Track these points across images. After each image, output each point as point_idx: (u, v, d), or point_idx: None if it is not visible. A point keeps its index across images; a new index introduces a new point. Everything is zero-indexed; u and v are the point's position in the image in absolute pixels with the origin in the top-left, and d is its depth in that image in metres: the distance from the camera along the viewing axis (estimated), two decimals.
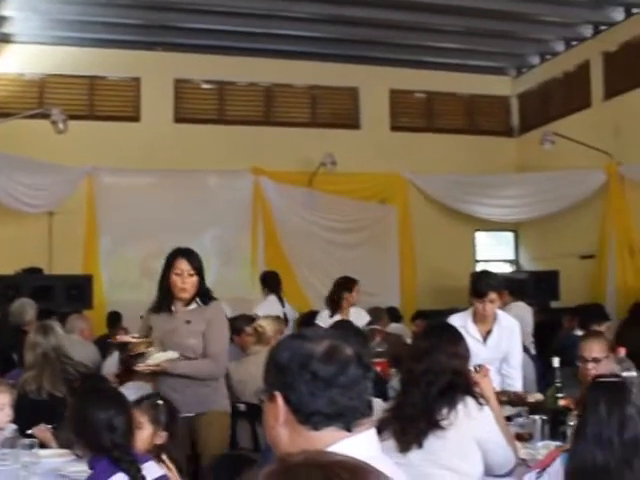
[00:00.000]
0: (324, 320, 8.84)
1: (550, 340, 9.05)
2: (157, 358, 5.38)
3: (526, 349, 7.79)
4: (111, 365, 7.83)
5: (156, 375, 5.55)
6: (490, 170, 15.48)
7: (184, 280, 5.42)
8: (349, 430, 2.11)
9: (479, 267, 14.90)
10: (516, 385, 5.85)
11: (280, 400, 2.13)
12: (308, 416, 2.10)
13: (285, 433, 2.13)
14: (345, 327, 4.80)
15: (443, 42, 15.01)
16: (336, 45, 14.90)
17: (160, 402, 4.41)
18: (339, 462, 1.32)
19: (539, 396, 5.47)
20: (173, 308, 5.58)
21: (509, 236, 16.66)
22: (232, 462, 5.02)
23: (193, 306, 5.56)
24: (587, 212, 14.15)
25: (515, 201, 15.39)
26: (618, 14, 14.09)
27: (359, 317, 9.24)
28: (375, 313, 10.10)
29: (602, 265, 13.91)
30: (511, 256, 16.65)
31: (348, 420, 2.11)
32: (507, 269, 16.24)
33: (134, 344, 5.48)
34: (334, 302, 9.20)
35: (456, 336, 4.05)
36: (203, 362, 5.52)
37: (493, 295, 5.72)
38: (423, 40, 14.87)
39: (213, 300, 5.63)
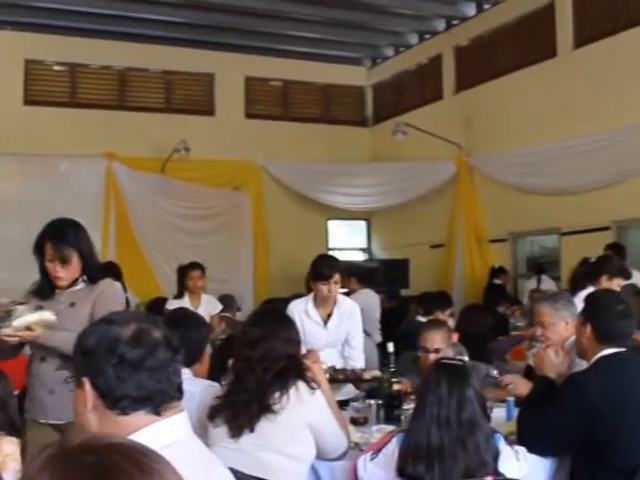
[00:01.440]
0: (172, 306, 8.76)
1: (398, 327, 9.20)
2: (25, 320, 4.33)
3: (368, 334, 7.91)
4: None
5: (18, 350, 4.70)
6: (344, 159, 15.66)
7: (56, 268, 4.54)
8: (158, 414, 2.09)
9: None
10: (358, 366, 5.91)
11: (87, 386, 2.08)
12: (116, 401, 2.06)
13: (94, 419, 2.09)
14: (178, 314, 4.71)
15: (300, 31, 15.06)
16: (192, 30, 14.76)
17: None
18: (115, 445, 1.29)
19: (376, 372, 5.55)
20: (57, 290, 4.67)
21: (362, 225, 16.90)
22: None
23: (79, 286, 4.65)
24: (437, 202, 14.48)
25: (368, 190, 15.60)
26: (470, 9, 14.46)
27: (210, 304, 9.23)
28: (225, 300, 10.10)
29: (451, 254, 14.27)
30: (364, 244, 16.89)
31: (157, 404, 2.08)
32: (360, 257, 16.46)
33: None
34: (178, 288, 9.25)
35: (288, 321, 4.07)
36: None
37: (337, 276, 5.78)
38: (280, 28, 14.89)
39: (103, 278, 4.79)
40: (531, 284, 12.43)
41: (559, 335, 4.59)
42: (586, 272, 6.63)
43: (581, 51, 12.30)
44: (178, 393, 2.14)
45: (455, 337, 5.39)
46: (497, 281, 12.73)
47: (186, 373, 4.07)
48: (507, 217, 13.28)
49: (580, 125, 11.84)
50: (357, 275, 10.87)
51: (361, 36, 15.84)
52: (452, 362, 3.70)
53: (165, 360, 2.10)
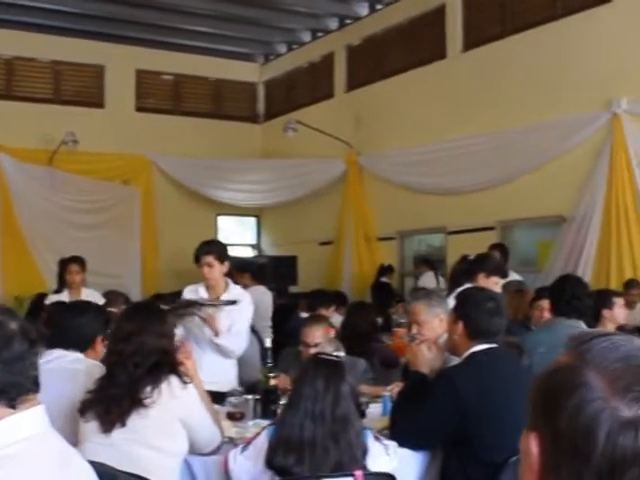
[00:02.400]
0: (50, 301, 8.64)
1: (285, 324, 9.25)
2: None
3: (254, 331, 7.90)
4: None
5: None
6: (235, 155, 15.64)
7: None
8: (13, 407, 2.04)
9: None
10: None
11: None
12: None
13: None
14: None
15: (193, 25, 14.96)
16: (82, 20, 14.48)
17: None
18: None
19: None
20: None
21: (252, 221, 16.89)
22: None
23: None
24: (327, 200, 14.56)
25: (258, 186, 15.61)
26: (363, 9, 14.57)
27: (91, 299, 9.07)
28: (110, 296, 9.93)
29: (339, 251, 14.37)
30: (253, 241, 16.89)
31: (12, 397, 2.04)
32: (249, 253, 16.45)
33: None
34: (58, 282, 9.16)
35: (161, 316, 4.05)
36: None
37: (210, 258, 5.91)
38: (172, 21, 14.75)
39: None
40: (427, 281, 12.39)
41: (434, 332, 4.67)
42: (464, 270, 6.73)
43: (470, 54, 12.54)
44: (35, 386, 2.10)
45: (332, 332, 5.44)
46: (384, 279, 12.86)
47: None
48: (395, 216, 13.43)
49: (467, 126, 12.07)
50: (250, 271, 10.83)
51: (254, 32, 15.81)
52: (329, 358, 3.74)
53: (21, 352, 2.06)
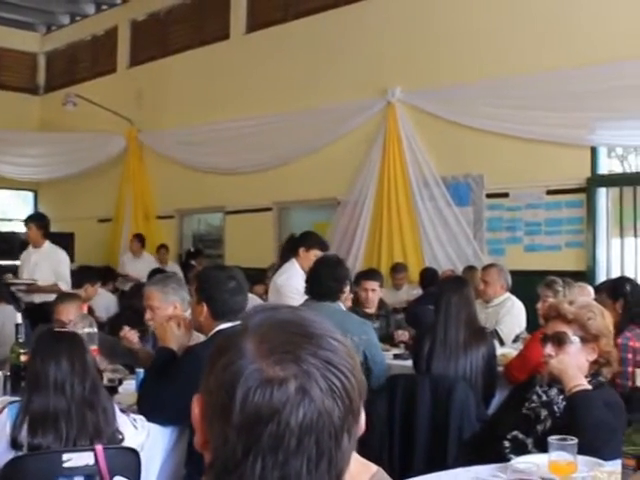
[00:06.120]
0: None
1: None
2: None
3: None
4: None
5: None
6: (12, 127, 15.07)
7: None
8: None
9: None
10: None
11: None
12: None
13: None
14: None
15: None
16: None
17: None
18: None
19: None
20: None
21: (29, 195, 16.41)
22: None
23: None
24: (107, 176, 14.36)
25: (36, 160, 15.17)
26: None
27: None
28: None
29: (118, 229, 14.21)
30: None
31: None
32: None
33: None
34: None
35: None
36: None
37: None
38: None
39: None
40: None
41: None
42: (290, 247, 7.02)
43: (253, 36, 12.66)
44: None
45: (85, 308, 5.41)
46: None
47: None
48: (175, 194, 13.42)
49: (248, 108, 12.19)
50: None
51: (36, 1, 15.29)
52: (65, 331, 3.75)
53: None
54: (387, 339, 6.85)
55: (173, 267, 12.03)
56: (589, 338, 3.40)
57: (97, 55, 15.51)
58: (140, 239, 12.72)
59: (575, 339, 3.39)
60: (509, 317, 7.07)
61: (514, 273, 7.48)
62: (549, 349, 3.42)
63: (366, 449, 5.03)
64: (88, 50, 15.71)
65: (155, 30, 14.37)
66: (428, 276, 9.19)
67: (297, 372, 1.25)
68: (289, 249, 7.13)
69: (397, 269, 10.20)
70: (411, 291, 9.64)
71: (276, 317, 1.35)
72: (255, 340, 1.29)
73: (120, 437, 3.56)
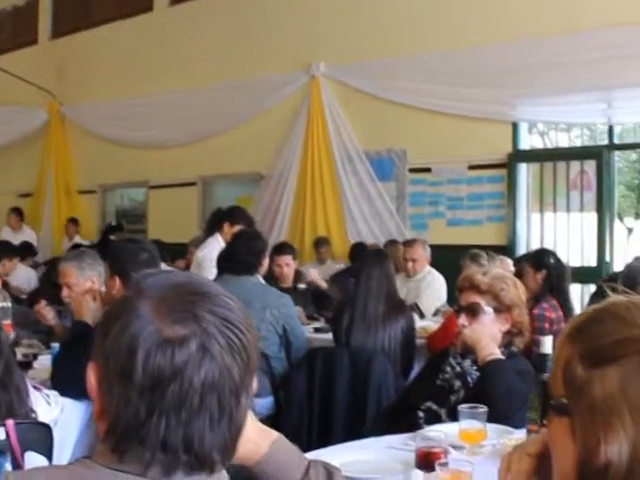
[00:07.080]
0: None
1: None
2: None
3: None
4: None
5: None
6: None
7: None
8: None
9: None
10: None
11: None
12: None
13: None
14: None
15: None
16: None
17: None
18: None
19: None
20: None
21: None
22: None
23: None
24: (28, 150, 14.08)
25: None
26: None
27: None
28: None
29: (39, 204, 13.99)
30: None
31: None
32: None
33: None
34: None
35: None
36: None
37: None
38: None
39: None
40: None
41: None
42: (215, 221, 6.99)
43: (177, 8, 12.53)
44: None
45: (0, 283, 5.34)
46: (112, 237, 12.39)
47: None
48: (98, 169, 13.21)
49: (171, 81, 12.05)
50: None
51: None
52: None
53: None
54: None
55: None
56: (502, 309, 3.45)
57: (18, 26, 15.16)
58: (18, 213, 12.57)
59: (488, 309, 3.44)
60: (430, 291, 7.17)
61: (437, 247, 7.58)
62: (463, 319, 3.47)
63: (285, 420, 5.05)
64: (9, 21, 15.34)
65: (78, 1, 14.11)
66: (357, 251, 9.22)
67: (196, 330, 1.26)
68: (214, 223, 7.12)
69: (320, 243, 10.22)
70: (334, 266, 9.66)
71: (170, 279, 1.35)
72: (151, 301, 1.29)
73: (33, 416, 3.51)
